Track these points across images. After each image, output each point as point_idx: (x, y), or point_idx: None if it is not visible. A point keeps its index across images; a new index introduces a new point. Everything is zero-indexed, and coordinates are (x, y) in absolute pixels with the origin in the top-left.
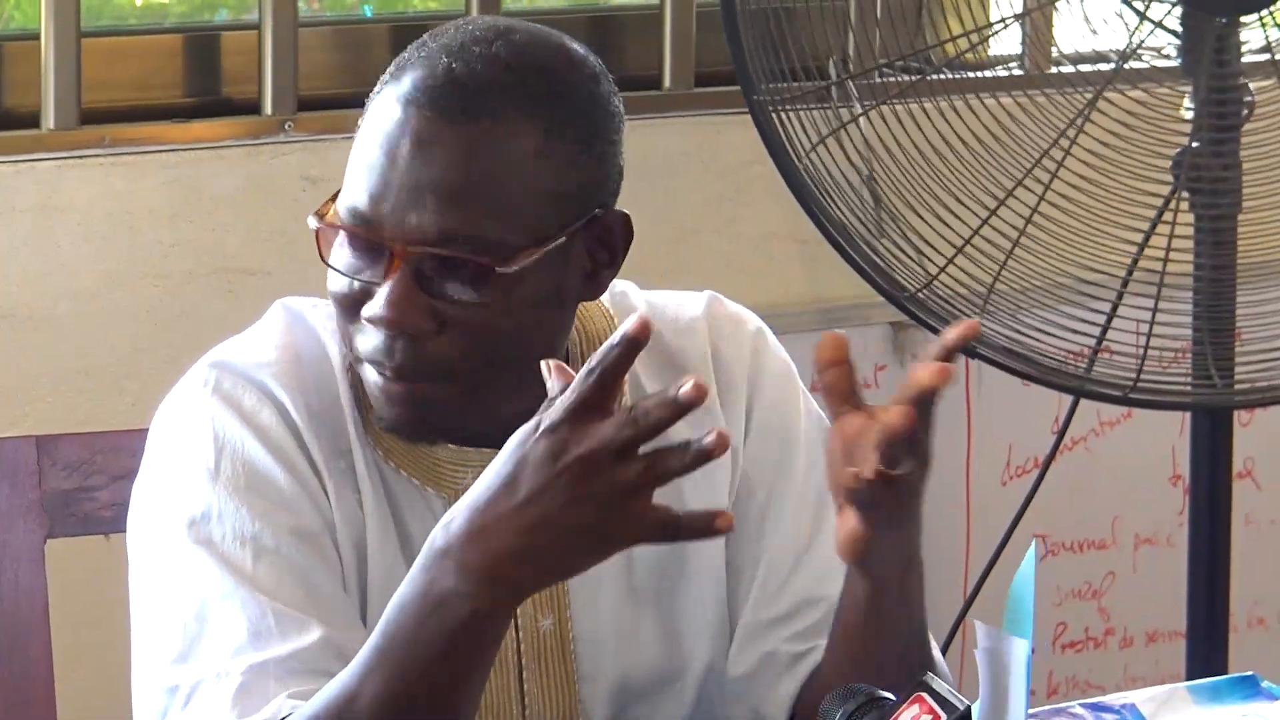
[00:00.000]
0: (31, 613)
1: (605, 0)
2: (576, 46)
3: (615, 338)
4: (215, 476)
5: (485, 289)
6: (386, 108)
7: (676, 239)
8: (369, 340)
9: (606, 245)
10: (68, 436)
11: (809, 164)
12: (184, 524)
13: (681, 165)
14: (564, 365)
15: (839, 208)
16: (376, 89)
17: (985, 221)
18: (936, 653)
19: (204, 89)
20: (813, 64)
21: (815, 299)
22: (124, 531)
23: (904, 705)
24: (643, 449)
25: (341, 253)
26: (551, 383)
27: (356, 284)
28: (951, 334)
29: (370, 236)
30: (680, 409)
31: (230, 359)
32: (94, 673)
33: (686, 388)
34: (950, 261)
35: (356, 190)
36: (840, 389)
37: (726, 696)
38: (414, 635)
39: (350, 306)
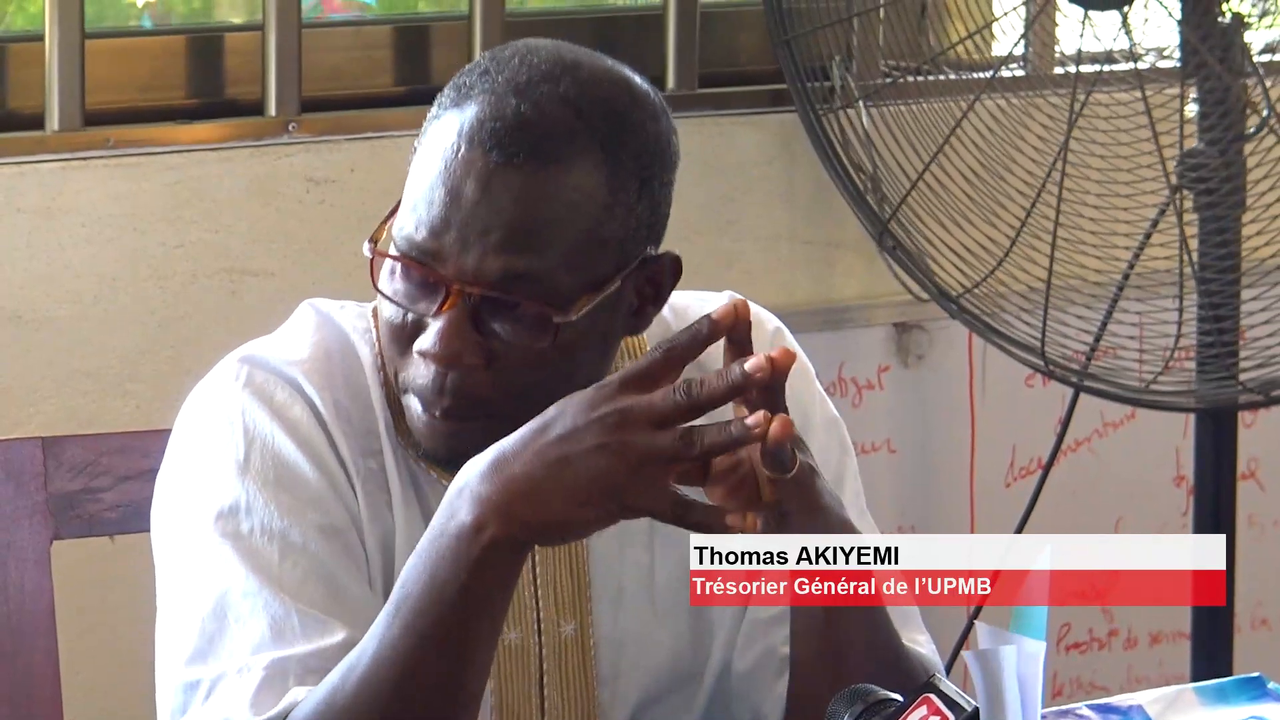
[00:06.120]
0: (37, 614)
1: (609, 1)
2: (639, 81)
3: (702, 321)
4: (245, 469)
5: (541, 333)
6: (449, 140)
7: (681, 240)
8: (416, 373)
9: (653, 283)
10: (73, 438)
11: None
12: (211, 516)
13: (686, 166)
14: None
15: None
16: (434, 111)
17: (920, 177)
18: (932, 653)
19: (208, 90)
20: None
21: (819, 300)
22: (129, 533)
23: (912, 706)
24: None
25: (394, 281)
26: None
27: (410, 315)
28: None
29: (428, 271)
30: (738, 387)
31: (262, 355)
32: (99, 674)
33: (753, 362)
34: (894, 213)
35: (416, 221)
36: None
37: (733, 693)
38: (430, 577)
39: (400, 335)
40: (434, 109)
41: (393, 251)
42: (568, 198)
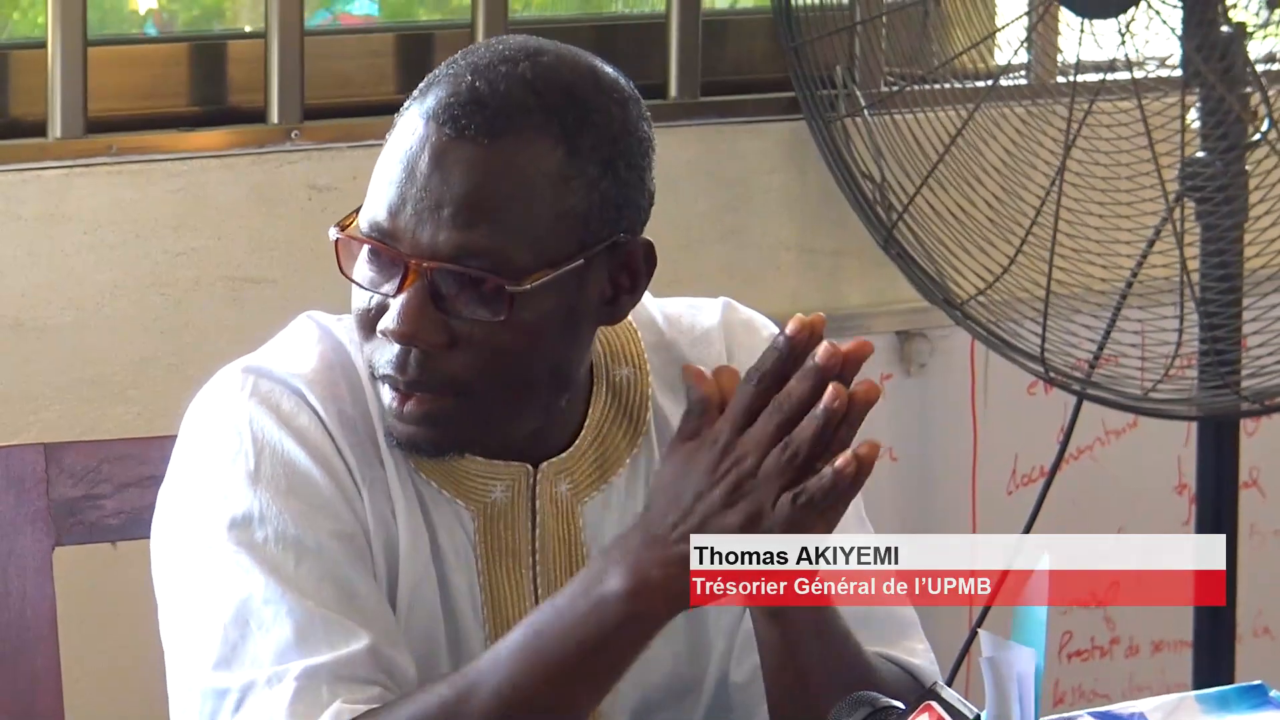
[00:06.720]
0: (39, 620)
1: (611, 9)
2: (608, 69)
3: (778, 340)
4: (256, 479)
5: (497, 307)
6: (410, 123)
7: (682, 247)
8: (383, 354)
9: (628, 271)
10: (75, 444)
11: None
12: (224, 526)
13: (687, 174)
14: (704, 373)
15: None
16: (405, 104)
17: (924, 183)
18: (930, 662)
19: (210, 97)
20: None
21: (821, 308)
22: (131, 539)
23: (913, 714)
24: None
25: (361, 266)
26: (693, 390)
27: (375, 298)
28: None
29: (387, 250)
30: (823, 375)
31: (265, 365)
32: (101, 680)
33: (823, 350)
34: (900, 216)
35: (376, 203)
36: None
37: (731, 704)
38: (567, 631)
39: (368, 320)
40: (406, 102)
41: (356, 235)
42: (521, 172)
